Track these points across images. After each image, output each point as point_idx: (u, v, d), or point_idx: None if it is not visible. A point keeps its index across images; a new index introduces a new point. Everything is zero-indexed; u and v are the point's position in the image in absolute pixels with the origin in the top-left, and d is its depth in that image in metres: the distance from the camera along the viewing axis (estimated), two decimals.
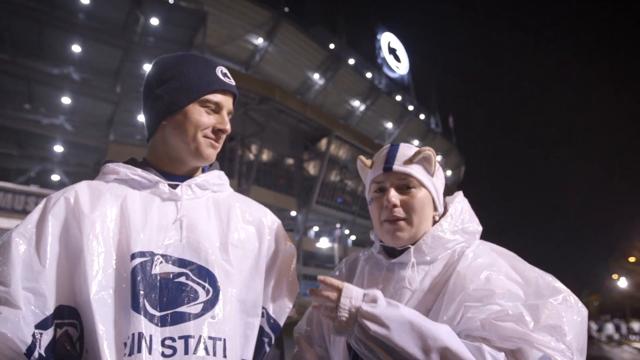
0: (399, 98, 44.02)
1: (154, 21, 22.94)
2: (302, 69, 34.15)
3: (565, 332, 1.05)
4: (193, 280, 1.13)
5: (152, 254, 1.12)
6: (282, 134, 33.29)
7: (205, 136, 1.24)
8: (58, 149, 21.37)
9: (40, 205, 1.14)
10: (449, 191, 1.42)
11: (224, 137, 1.27)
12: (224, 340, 1.11)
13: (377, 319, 1.07)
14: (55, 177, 22.58)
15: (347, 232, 36.62)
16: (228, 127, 1.25)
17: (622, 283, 40.70)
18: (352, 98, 38.60)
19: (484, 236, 1.37)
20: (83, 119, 22.56)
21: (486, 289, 1.13)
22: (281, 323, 1.29)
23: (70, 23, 20.42)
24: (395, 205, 1.28)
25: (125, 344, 1.02)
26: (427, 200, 1.31)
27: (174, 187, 1.23)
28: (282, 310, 1.30)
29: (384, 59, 46.84)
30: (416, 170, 1.30)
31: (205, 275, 1.15)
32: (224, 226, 1.25)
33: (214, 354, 1.08)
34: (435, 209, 1.34)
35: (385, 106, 41.05)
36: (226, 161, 28.31)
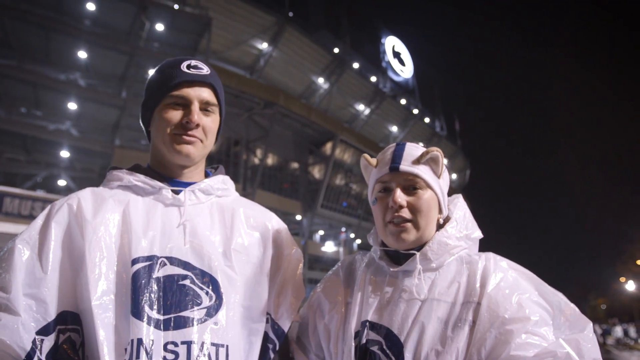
0: (403, 102, 43.94)
1: (159, 27, 23.05)
2: (306, 73, 34.17)
3: None
4: (197, 285, 1.12)
5: (155, 258, 1.11)
6: (287, 138, 33.29)
7: (175, 133, 1.21)
8: (64, 154, 21.45)
9: (44, 212, 1.15)
10: (451, 194, 1.40)
11: (197, 130, 1.22)
12: (227, 346, 1.10)
13: None
14: (61, 182, 22.66)
15: (352, 235, 36.52)
16: (194, 118, 1.21)
17: (630, 286, 40.38)
18: (357, 102, 38.57)
19: (492, 240, 1.36)
20: (89, 124, 22.67)
21: (521, 317, 1.11)
22: (286, 329, 1.28)
23: (77, 29, 20.53)
24: (401, 206, 1.23)
25: (125, 349, 1.01)
26: (433, 202, 1.27)
27: (177, 192, 1.23)
28: (287, 316, 1.29)
29: (388, 62, 46.79)
30: (423, 171, 1.26)
31: (209, 280, 1.14)
32: (228, 232, 1.24)
33: None
34: (440, 211, 1.31)
35: (390, 110, 40.99)
36: (231, 165, 28.35)
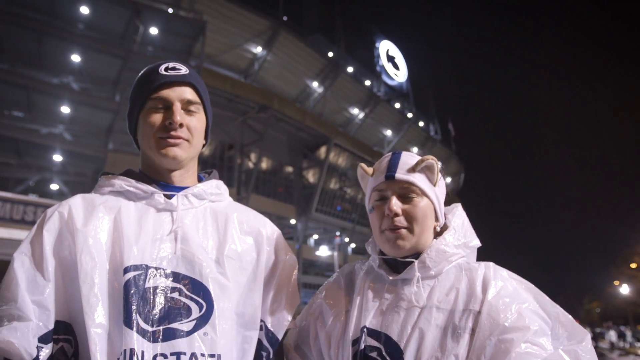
0: (397, 105, 44.14)
1: (153, 30, 23.03)
2: (300, 77, 34.26)
3: None
4: (186, 296, 1.11)
5: (146, 267, 1.10)
6: (281, 142, 33.33)
7: (160, 136, 1.20)
8: (57, 158, 21.35)
9: (37, 222, 1.14)
10: (448, 199, 1.40)
11: (182, 130, 1.21)
12: (218, 356, 1.09)
13: None
14: (54, 187, 22.55)
15: (346, 240, 36.56)
16: (176, 118, 1.19)
17: (624, 289, 40.61)
18: (351, 106, 38.69)
19: (486, 244, 1.36)
20: (82, 128, 22.57)
21: (521, 326, 1.12)
22: (280, 336, 1.27)
23: (70, 33, 20.49)
24: (397, 214, 1.25)
25: (118, 359, 1.00)
26: (429, 210, 1.29)
27: (170, 197, 1.22)
28: (281, 324, 1.28)
29: (382, 66, 47.01)
30: (419, 179, 1.28)
31: (199, 289, 1.13)
32: (221, 237, 1.23)
33: None
34: (437, 219, 1.32)
35: (384, 114, 41.15)
36: (225, 170, 28.32)
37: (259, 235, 1.30)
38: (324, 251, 33.75)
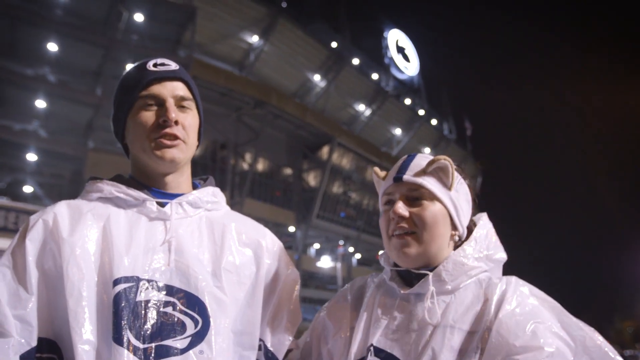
0: (408, 102, 44.12)
1: (139, 17, 23.08)
2: (301, 69, 34.28)
3: None
4: (181, 311, 1.12)
5: (137, 279, 1.11)
6: (279, 142, 33.33)
7: (154, 137, 1.22)
8: (31, 157, 21.35)
9: (20, 230, 1.15)
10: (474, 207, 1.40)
11: (178, 128, 1.23)
12: None
13: None
14: (27, 189, 22.54)
15: (351, 249, 36.47)
16: (171, 115, 1.21)
17: None
18: (357, 102, 38.70)
19: (508, 256, 1.35)
20: (59, 124, 22.59)
21: (533, 346, 1.09)
22: (280, 357, 1.28)
23: (46, 19, 20.53)
24: (402, 217, 1.25)
25: None
26: (442, 216, 1.27)
27: (163, 205, 1.22)
28: (282, 343, 1.28)
29: (391, 58, 47.02)
30: (429, 181, 1.27)
31: (195, 304, 1.14)
32: (218, 249, 1.24)
33: None
34: (455, 228, 1.31)
35: (393, 110, 41.13)
36: (217, 172, 28.32)
37: (258, 248, 1.31)
38: (325, 262, 33.71)
